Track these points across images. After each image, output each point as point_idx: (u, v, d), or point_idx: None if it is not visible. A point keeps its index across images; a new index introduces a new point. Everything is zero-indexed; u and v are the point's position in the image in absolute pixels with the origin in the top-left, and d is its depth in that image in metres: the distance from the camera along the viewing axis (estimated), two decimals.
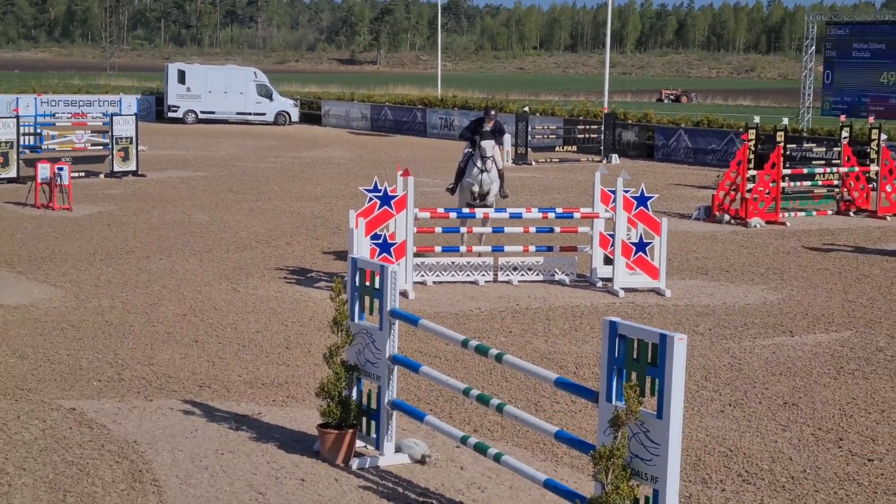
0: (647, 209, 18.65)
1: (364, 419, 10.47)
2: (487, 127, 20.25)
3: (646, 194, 18.75)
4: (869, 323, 16.64)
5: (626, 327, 8.04)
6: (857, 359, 14.47)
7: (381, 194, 17.79)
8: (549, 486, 8.75)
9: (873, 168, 29.50)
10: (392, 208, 17.84)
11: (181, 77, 61.38)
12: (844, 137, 30.24)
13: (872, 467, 10.52)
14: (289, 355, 14.05)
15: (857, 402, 12.60)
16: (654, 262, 18.61)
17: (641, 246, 18.57)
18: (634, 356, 7.92)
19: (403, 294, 17.46)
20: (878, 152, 29.70)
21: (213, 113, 60.96)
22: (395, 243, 17.85)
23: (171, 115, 60.83)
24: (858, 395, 12.84)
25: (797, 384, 13.30)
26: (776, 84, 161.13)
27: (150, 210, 27.15)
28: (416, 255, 18.50)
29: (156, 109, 62.48)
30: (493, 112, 20.61)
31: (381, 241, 17.75)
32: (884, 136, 31.34)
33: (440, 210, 19.36)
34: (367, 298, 10.40)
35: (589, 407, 10.91)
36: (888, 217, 28.54)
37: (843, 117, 33.15)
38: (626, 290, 18.50)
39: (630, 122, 46.74)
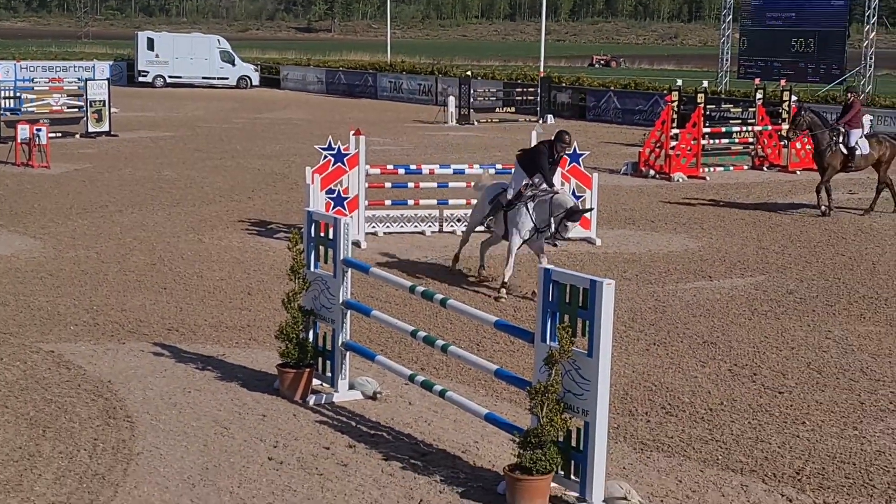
0: (580, 165, 18.63)
1: (320, 359, 10.42)
2: (566, 152, 15.76)
3: (578, 151, 18.73)
4: (780, 268, 16.76)
5: (559, 274, 8.03)
6: (770, 301, 14.57)
7: (335, 152, 17.68)
8: (490, 419, 8.76)
9: (785, 127, 29.61)
10: (345, 165, 17.73)
11: (150, 44, 60.84)
12: (759, 99, 30.31)
13: (783, 399, 10.61)
14: (250, 301, 13.96)
15: (769, 340, 12.69)
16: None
17: (575, 199, 18.54)
18: (567, 300, 7.92)
19: (356, 244, 17.39)
20: (788, 112, 29.82)
21: (179, 77, 60.44)
22: (348, 197, 17.75)
23: (141, 79, 60.30)
24: (770, 334, 12.94)
25: (715, 324, 13.38)
26: (697, 50, 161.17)
27: (122, 168, 26.86)
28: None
29: (127, 74, 61.88)
30: (568, 136, 14.92)
31: (335, 195, 17.64)
32: (794, 98, 31.53)
33: (390, 167, 19.26)
34: (322, 248, 10.33)
35: (526, 347, 10.91)
36: (798, 172, 28.70)
37: (757, 81, 33.27)
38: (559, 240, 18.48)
39: (564, 85, 46.65)
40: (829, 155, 21.79)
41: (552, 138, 14.73)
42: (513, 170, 15.01)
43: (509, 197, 14.60)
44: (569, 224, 14.12)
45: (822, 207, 21.78)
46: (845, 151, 21.86)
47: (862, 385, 11.07)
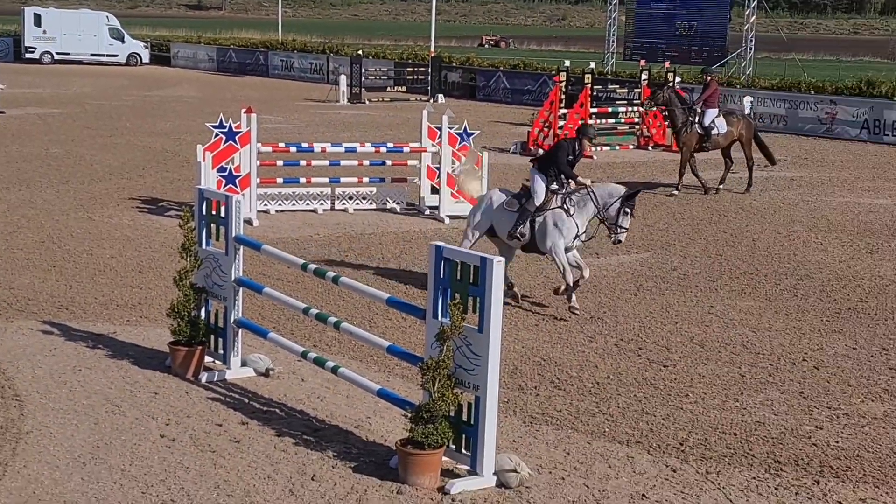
0: (470, 144, 18.67)
1: (212, 337, 10.32)
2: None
3: (468, 131, 18.77)
4: (664, 245, 17.00)
5: (450, 251, 8.06)
6: (654, 277, 14.77)
7: (226, 130, 17.49)
8: (382, 394, 8.76)
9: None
10: (237, 143, 17.55)
11: (37, 20, 59.49)
12: (644, 80, 30.69)
13: (667, 372, 10.78)
14: (142, 279, 13.77)
15: (653, 315, 12.88)
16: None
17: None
18: (458, 277, 7.94)
19: (248, 222, 17.24)
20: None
21: (68, 54, 59.24)
22: (239, 175, 17.58)
23: (28, 56, 58.96)
24: (655, 310, 13.13)
25: (602, 300, 13.53)
26: (584, 32, 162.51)
27: (9, 144, 26.24)
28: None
29: (14, 50, 60.44)
30: (593, 129, 13.84)
31: (226, 173, 17.46)
32: (678, 79, 31.90)
33: (281, 145, 19.11)
34: (213, 226, 10.22)
35: (418, 323, 10.93)
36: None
37: (642, 62, 33.66)
38: (452, 217, 18.54)
39: (454, 65, 46.70)
40: (684, 134, 22.01)
41: (576, 133, 13.25)
42: (532, 178, 13.13)
43: (537, 203, 12.91)
44: (630, 211, 12.71)
45: (704, 185, 22.14)
46: (700, 131, 22.09)
47: (743, 358, 11.31)
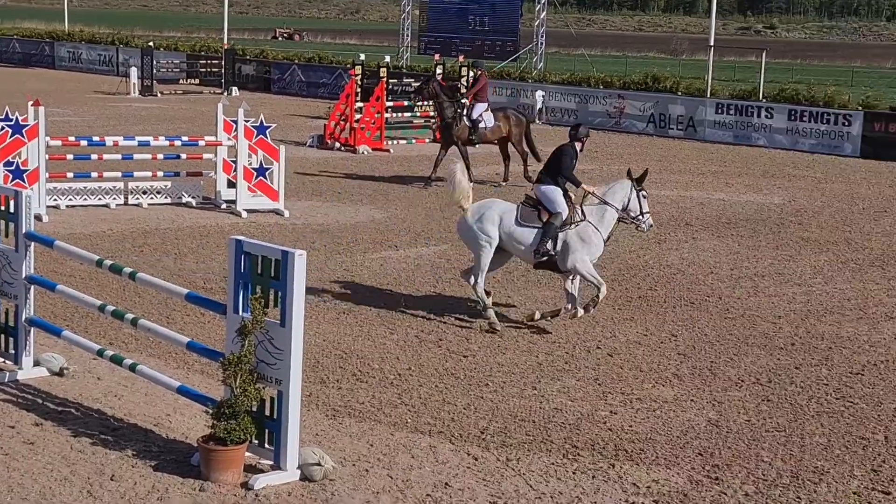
0: (266, 137, 18.52)
1: (2, 336, 9.98)
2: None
3: (265, 124, 18.62)
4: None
5: (250, 245, 7.99)
6: (453, 269, 14.95)
7: (12, 123, 16.92)
8: (182, 391, 8.64)
9: (464, 101, 30.30)
10: (24, 137, 17.00)
11: None
12: (438, 74, 30.90)
13: (467, 362, 10.93)
14: None
15: (452, 306, 13.04)
16: (274, 185, 18.55)
17: (262, 171, 18.46)
18: (259, 271, 7.89)
19: (38, 218, 16.71)
20: (467, 86, 30.45)
21: None
22: (28, 170, 17.03)
23: None
24: (454, 301, 13.29)
25: (402, 292, 13.63)
26: (379, 26, 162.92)
27: None
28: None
29: None
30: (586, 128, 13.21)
31: (14, 167, 16.89)
32: (472, 74, 32.13)
33: (72, 138, 18.58)
34: (2, 223, 9.88)
35: (218, 319, 10.80)
36: (476, 144, 29.32)
37: (437, 56, 33.85)
38: (249, 211, 18.38)
39: (248, 57, 46.20)
40: (456, 128, 22.29)
41: (576, 135, 12.78)
42: (545, 190, 12.41)
43: (564, 217, 12.25)
44: (645, 194, 12.58)
45: (431, 178, 22.02)
46: (469, 124, 22.41)
47: (540, 347, 11.55)
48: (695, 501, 7.94)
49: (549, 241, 12.18)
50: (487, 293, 12.41)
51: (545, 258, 12.25)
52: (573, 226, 12.27)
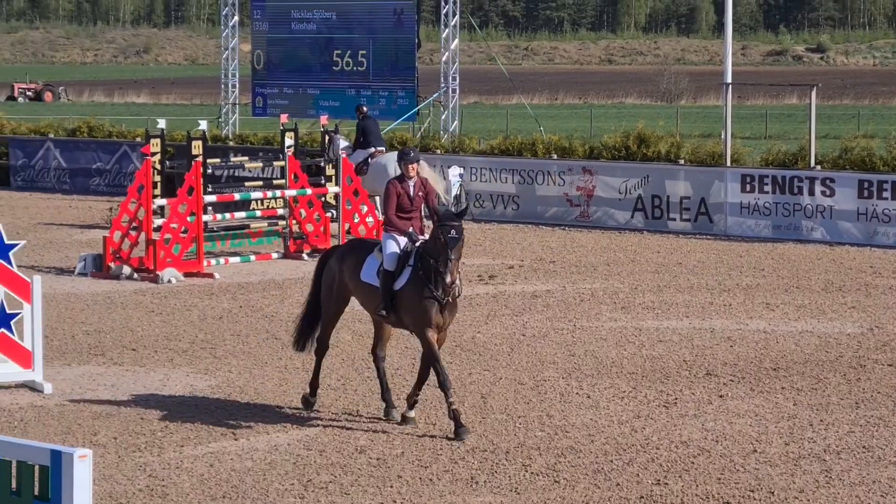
0: (10, 264, 18.40)
1: None
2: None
3: (6, 242, 18.51)
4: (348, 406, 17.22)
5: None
6: (330, 467, 14.91)
7: None
8: None
9: (332, 189, 30.45)
10: None
11: None
12: (289, 147, 31.02)
13: None
14: None
15: None
16: (25, 342, 18.38)
17: (4, 319, 18.30)
18: (14, 487, 7.80)
19: None
20: (336, 167, 30.59)
21: None
22: None
23: None
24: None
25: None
26: (182, 71, 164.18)
27: None
28: None
29: None
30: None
31: None
32: (343, 143, 32.42)
33: None
34: None
35: None
36: None
37: (284, 117, 33.99)
38: None
39: None
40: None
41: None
42: None
43: None
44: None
45: None
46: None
47: None
48: None
49: None
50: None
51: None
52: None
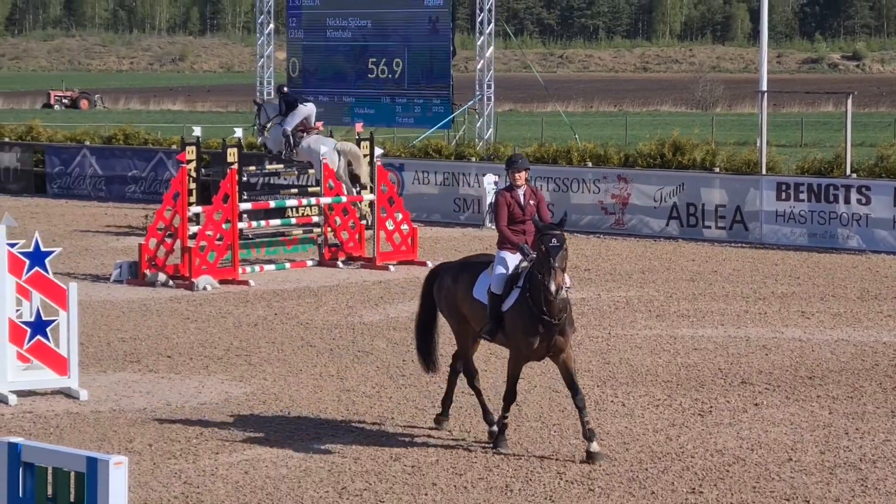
0: (46, 271, 18.44)
1: None
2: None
3: (42, 249, 18.55)
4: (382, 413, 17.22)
5: (33, 451, 7.93)
6: (365, 474, 14.92)
7: None
8: None
9: (367, 197, 30.44)
10: None
11: None
12: (323, 154, 31.02)
13: None
14: None
15: None
16: (61, 349, 18.42)
17: (39, 326, 18.34)
18: (50, 493, 7.82)
19: None
20: (372, 174, 30.55)
21: None
22: None
23: None
24: None
25: None
26: (217, 79, 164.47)
27: None
28: None
29: None
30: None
31: None
32: (379, 151, 32.33)
33: None
34: None
35: None
36: (392, 266, 29.44)
37: (319, 125, 33.98)
38: (20, 393, 18.23)
39: (7, 139, 46.23)
40: None
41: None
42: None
43: None
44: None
45: None
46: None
47: None
48: None
49: None
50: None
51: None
52: None
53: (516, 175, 16.31)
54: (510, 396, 15.99)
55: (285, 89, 35.13)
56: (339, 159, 29.02)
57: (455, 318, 16.68)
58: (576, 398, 15.65)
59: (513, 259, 16.04)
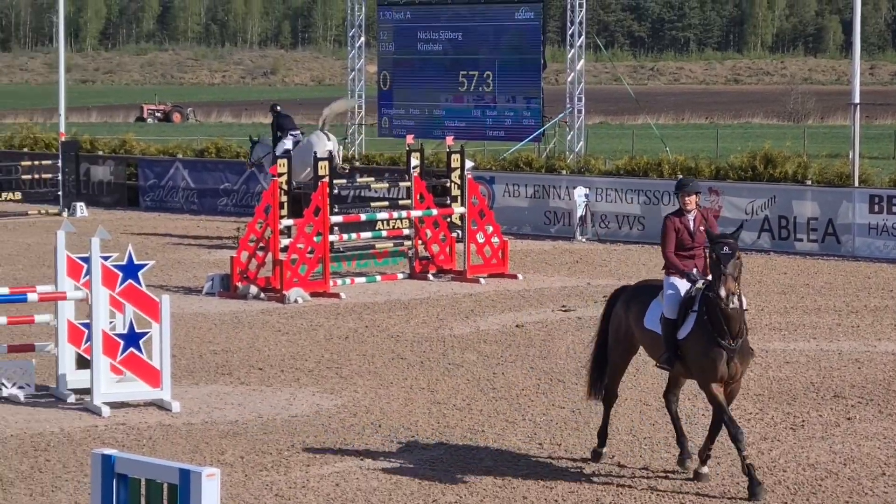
0: (139, 283, 18.55)
1: None
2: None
3: (135, 262, 18.66)
4: (468, 431, 17.23)
5: (126, 462, 7.97)
6: (458, 484, 14.92)
7: None
8: None
9: (458, 210, 30.45)
10: None
11: None
12: (414, 167, 31.01)
13: None
14: None
15: None
16: (153, 361, 18.52)
17: (132, 338, 18.45)
18: None
19: None
20: (462, 187, 30.56)
21: None
22: None
23: None
24: None
25: None
26: (308, 92, 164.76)
27: None
28: None
29: None
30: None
31: None
32: (469, 164, 32.34)
33: None
34: None
35: None
36: (482, 279, 29.45)
37: (410, 138, 33.98)
38: (113, 405, 18.34)
39: (101, 153, 46.52)
40: None
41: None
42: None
43: None
44: None
45: None
46: None
47: None
48: None
49: None
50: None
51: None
52: None
53: (686, 199, 15.63)
54: (734, 433, 14.82)
55: (278, 108, 37.54)
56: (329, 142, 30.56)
57: (619, 346, 16.12)
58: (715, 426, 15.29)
59: (683, 284, 15.39)
